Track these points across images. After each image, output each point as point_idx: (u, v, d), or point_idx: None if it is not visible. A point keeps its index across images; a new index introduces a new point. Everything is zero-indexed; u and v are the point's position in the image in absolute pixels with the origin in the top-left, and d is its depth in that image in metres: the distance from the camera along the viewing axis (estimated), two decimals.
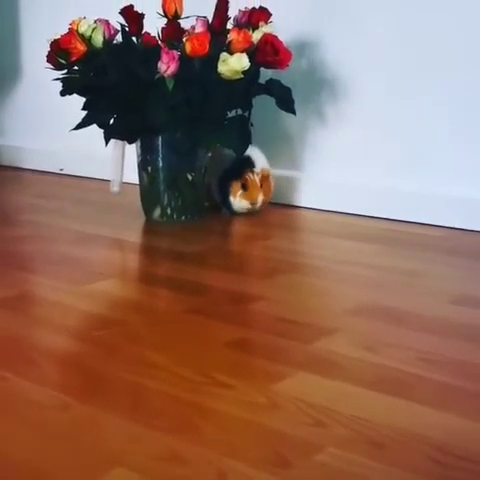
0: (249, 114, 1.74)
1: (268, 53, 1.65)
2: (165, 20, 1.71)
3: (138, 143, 1.75)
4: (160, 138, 1.71)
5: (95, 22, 1.66)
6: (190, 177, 1.74)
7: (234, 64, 1.59)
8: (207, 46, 1.59)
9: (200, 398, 0.86)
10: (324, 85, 1.88)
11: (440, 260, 1.47)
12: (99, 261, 1.48)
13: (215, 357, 0.98)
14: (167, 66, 1.57)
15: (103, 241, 1.61)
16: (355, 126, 1.84)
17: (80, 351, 1.02)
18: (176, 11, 1.69)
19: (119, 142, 1.82)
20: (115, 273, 1.42)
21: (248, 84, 1.66)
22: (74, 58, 1.63)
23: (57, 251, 1.52)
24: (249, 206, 1.78)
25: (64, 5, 2.23)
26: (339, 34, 1.84)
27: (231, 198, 1.78)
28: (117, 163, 1.87)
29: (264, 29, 1.68)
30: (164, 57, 1.57)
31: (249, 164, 1.77)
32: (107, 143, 1.70)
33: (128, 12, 1.71)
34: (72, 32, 1.64)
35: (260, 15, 1.71)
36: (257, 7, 1.73)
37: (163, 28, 1.70)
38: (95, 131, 1.69)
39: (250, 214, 1.82)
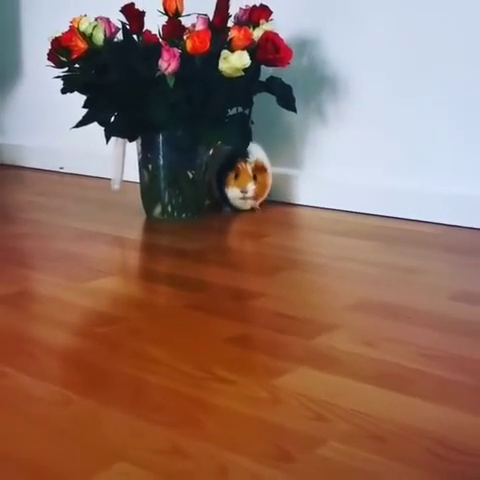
0: (250, 112, 1.74)
1: (269, 51, 1.66)
2: (166, 18, 1.71)
3: (139, 141, 1.76)
4: (161, 136, 1.71)
5: (96, 20, 1.67)
6: (191, 175, 1.75)
7: (235, 62, 1.59)
8: (208, 44, 1.59)
9: (201, 393, 0.86)
10: (325, 83, 1.88)
11: (439, 257, 1.48)
12: (99, 258, 1.48)
13: (216, 352, 0.98)
14: (168, 64, 1.57)
15: (103, 239, 1.61)
16: (355, 125, 1.85)
17: (81, 347, 1.02)
18: (177, 9, 1.69)
19: (120, 140, 1.82)
20: (115, 270, 1.43)
21: (249, 82, 1.67)
22: (75, 56, 1.63)
23: (57, 248, 1.52)
24: (240, 194, 1.78)
25: (65, 3, 2.23)
26: (340, 32, 1.84)
27: (226, 189, 1.79)
28: (118, 161, 1.87)
29: (265, 27, 1.69)
30: (165, 55, 1.57)
31: (243, 155, 1.78)
32: (108, 141, 1.70)
33: (129, 10, 1.71)
34: (73, 30, 1.64)
35: (261, 13, 1.72)
36: (258, 5, 1.73)
37: (164, 26, 1.71)
38: (96, 129, 1.70)
39: (250, 212, 1.83)
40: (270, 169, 1.83)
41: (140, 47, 1.69)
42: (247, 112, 1.74)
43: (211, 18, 1.69)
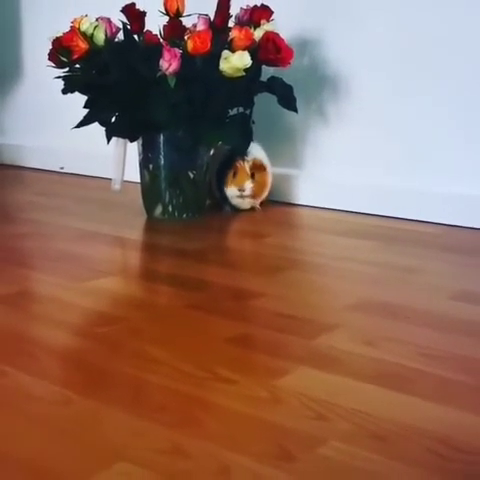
0: (251, 112, 1.74)
1: (270, 51, 1.66)
2: (167, 18, 1.71)
3: (139, 141, 1.76)
4: (162, 136, 1.71)
5: (97, 20, 1.67)
6: (191, 175, 1.75)
7: (236, 62, 1.59)
8: (209, 44, 1.59)
9: (202, 393, 0.86)
10: (326, 83, 1.88)
11: (439, 257, 1.48)
12: (100, 258, 1.48)
13: (216, 352, 0.98)
14: (169, 64, 1.57)
15: (104, 239, 1.61)
16: (356, 124, 1.85)
17: (81, 346, 1.02)
18: (178, 9, 1.70)
19: (120, 140, 1.82)
20: (116, 270, 1.43)
21: (250, 82, 1.67)
22: (76, 56, 1.63)
23: (58, 248, 1.52)
24: (238, 193, 1.79)
25: (66, 3, 2.23)
26: (341, 32, 1.84)
27: (225, 188, 1.79)
28: (118, 161, 1.87)
29: (266, 27, 1.69)
30: (166, 55, 1.57)
31: (242, 154, 1.78)
32: (109, 141, 1.70)
33: (130, 10, 1.72)
34: (74, 30, 1.64)
35: (262, 13, 1.72)
36: (259, 5, 1.74)
37: (165, 26, 1.71)
38: (96, 129, 1.70)
39: (251, 211, 1.83)
40: (270, 168, 1.83)
41: (141, 47, 1.70)
42: (248, 112, 1.74)
43: (212, 18, 1.69)
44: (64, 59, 1.65)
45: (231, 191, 1.79)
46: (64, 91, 1.69)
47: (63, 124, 1.88)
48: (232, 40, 1.63)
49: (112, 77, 1.63)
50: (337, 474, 0.69)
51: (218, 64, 1.59)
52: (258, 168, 1.80)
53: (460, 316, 1.13)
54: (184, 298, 1.22)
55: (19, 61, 2.58)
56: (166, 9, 1.70)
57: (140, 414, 0.81)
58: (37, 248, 1.54)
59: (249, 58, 1.59)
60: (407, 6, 1.73)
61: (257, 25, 1.70)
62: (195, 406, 0.83)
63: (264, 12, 1.72)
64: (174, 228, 1.70)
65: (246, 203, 1.82)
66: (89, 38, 1.64)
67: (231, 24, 1.71)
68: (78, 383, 0.90)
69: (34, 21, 2.50)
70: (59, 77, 1.69)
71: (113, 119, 1.69)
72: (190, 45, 1.59)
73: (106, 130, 1.69)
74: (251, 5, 1.74)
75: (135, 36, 1.71)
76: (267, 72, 1.74)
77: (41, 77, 1.87)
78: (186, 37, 1.62)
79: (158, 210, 1.76)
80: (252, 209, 1.84)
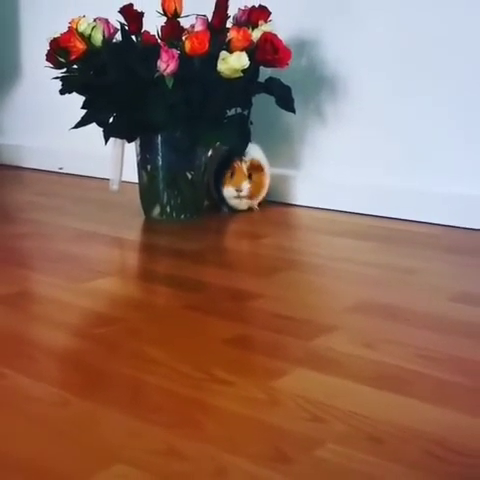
0: (248, 113, 1.74)
1: (268, 52, 1.66)
2: (165, 19, 1.71)
3: (137, 142, 1.76)
4: (159, 137, 1.71)
5: (95, 21, 1.66)
6: (189, 176, 1.75)
7: (234, 63, 1.59)
8: (206, 45, 1.59)
9: (200, 394, 0.86)
10: (324, 84, 1.88)
11: (438, 258, 1.48)
12: (98, 259, 1.48)
13: (214, 353, 0.98)
14: (166, 65, 1.57)
15: (102, 239, 1.61)
16: (354, 125, 1.85)
17: (79, 347, 1.02)
18: (176, 10, 1.69)
19: (118, 141, 1.82)
20: (114, 271, 1.43)
21: (248, 83, 1.67)
22: (73, 57, 1.63)
23: (56, 249, 1.52)
24: (235, 193, 1.79)
25: (64, 4, 2.23)
26: (339, 33, 1.84)
27: (222, 189, 1.79)
28: (116, 162, 1.87)
29: (264, 28, 1.69)
30: (163, 56, 1.57)
31: (240, 154, 1.78)
32: (106, 142, 1.71)
33: (128, 11, 1.71)
34: (71, 31, 1.64)
35: (260, 14, 1.72)
36: (257, 6, 1.73)
37: (163, 27, 1.71)
38: (94, 130, 1.70)
39: (249, 212, 1.83)
40: (268, 169, 1.83)
41: (139, 48, 1.70)
42: (246, 113, 1.74)
43: (210, 19, 1.69)
44: (62, 60, 1.64)
45: (228, 192, 1.79)
46: (62, 91, 1.69)
47: (62, 124, 1.88)
48: (230, 41, 1.63)
49: (110, 78, 1.63)
50: (333, 476, 0.69)
51: (216, 65, 1.59)
52: (256, 169, 1.80)
53: (459, 318, 1.13)
54: (182, 299, 1.22)
55: (18, 61, 2.58)
56: (164, 10, 1.70)
57: (137, 415, 0.81)
58: (36, 248, 1.54)
59: (247, 59, 1.59)
60: (407, 6, 1.73)
61: (255, 26, 1.70)
62: (192, 407, 0.83)
63: (262, 13, 1.72)
64: (172, 229, 1.70)
65: (243, 204, 1.82)
66: (87, 39, 1.64)
67: (229, 25, 1.72)
68: (76, 384, 0.90)
69: (33, 22, 2.50)
70: (57, 78, 1.69)
71: (111, 120, 1.69)
72: (188, 46, 1.59)
73: (104, 131, 1.69)
74: (249, 6, 1.73)
75: (133, 37, 1.71)
76: (265, 73, 1.74)
77: (40, 77, 1.87)
78: (184, 38, 1.62)
79: (156, 211, 1.76)
80: (250, 210, 1.84)
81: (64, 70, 1.68)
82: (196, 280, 1.33)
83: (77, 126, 1.68)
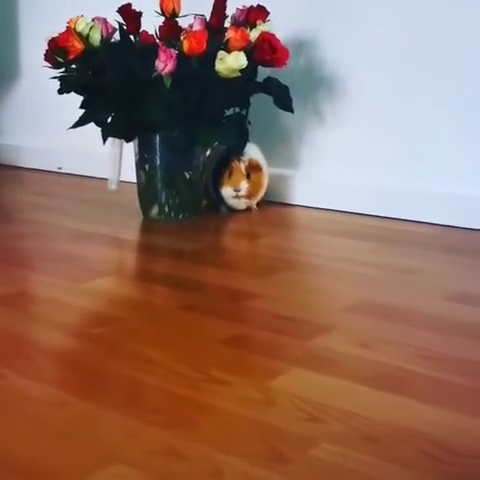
0: (247, 112, 1.74)
1: (266, 51, 1.66)
2: (163, 18, 1.71)
3: (136, 141, 1.76)
4: (158, 136, 1.71)
5: (93, 20, 1.67)
6: (188, 175, 1.75)
7: (232, 62, 1.59)
8: (205, 44, 1.59)
9: (197, 394, 0.86)
10: (322, 84, 1.88)
11: (437, 258, 1.48)
12: (97, 259, 1.48)
13: (212, 353, 0.98)
14: (165, 64, 1.57)
15: (101, 239, 1.61)
16: (353, 125, 1.85)
17: (77, 348, 1.02)
18: (174, 9, 1.69)
19: (117, 140, 1.82)
20: (113, 271, 1.43)
21: (246, 82, 1.67)
22: (72, 56, 1.63)
23: (55, 249, 1.52)
24: (233, 193, 1.79)
25: (62, 4, 2.23)
26: (337, 33, 1.84)
27: (220, 188, 1.79)
28: (115, 161, 1.87)
29: (262, 27, 1.69)
30: (162, 55, 1.57)
31: (238, 154, 1.78)
32: (104, 141, 1.71)
33: (126, 11, 1.71)
34: (70, 30, 1.64)
35: (258, 13, 1.72)
36: (255, 5, 1.73)
37: (161, 26, 1.71)
38: (93, 129, 1.70)
39: (247, 212, 1.83)
40: (266, 169, 1.83)
41: (137, 48, 1.70)
42: (244, 113, 1.74)
43: (208, 19, 1.69)
44: (60, 59, 1.65)
45: (226, 191, 1.80)
46: (60, 91, 1.69)
47: (61, 124, 1.88)
48: (228, 41, 1.63)
49: (108, 77, 1.63)
50: (329, 476, 0.69)
51: (214, 65, 1.60)
52: (254, 168, 1.80)
53: (458, 318, 1.13)
54: (180, 299, 1.22)
55: (17, 61, 2.58)
56: (162, 9, 1.70)
57: (135, 415, 0.81)
58: (35, 248, 1.54)
59: (245, 59, 1.59)
60: (406, 6, 1.73)
61: (253, 26, 1.70)
62: (190, 408, 0.83)
63: (260, 13, 1.72)
64: (170, 229, 1.70)
65: (242, 203, 1.82)
66: (85, 38, 1.64)
67: (227, 24, 1.71)
68: (74, 384, 0.90)
69: (32, 21, 2.50)
70: (55, 77, 1.69)
71: (109, 119, 1.70)
72: (186, 45, 1.59)
73: (102, 130, 1.69)
74: (247, 6, 1.74)
75: (131, 36, 1.71)
76: (263, 73, 1.74)
77: (39, 77, 1.87)
78: (182, 37, 1.62)
79: (154, 210, 1.76)
80: (248, 209, 1.84)
81: (62, 70, 1.68)
82: (194, 280, 1.33)
83: (75, 126, 1.68)
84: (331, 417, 0.80)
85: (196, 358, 0.96)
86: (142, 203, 1.79)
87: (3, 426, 0.79)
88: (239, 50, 1.61)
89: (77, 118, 1.68)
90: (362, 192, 1.83)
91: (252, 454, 0.73)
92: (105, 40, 1.66)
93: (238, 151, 1.76)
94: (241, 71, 1.60)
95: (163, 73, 1.58)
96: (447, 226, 1.69)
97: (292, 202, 1.94)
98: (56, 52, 1.64)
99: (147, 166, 1.75)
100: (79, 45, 1.62)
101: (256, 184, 1.81)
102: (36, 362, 0.96)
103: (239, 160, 1.78)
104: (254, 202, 1.84)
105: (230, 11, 1.73)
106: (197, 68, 1.62)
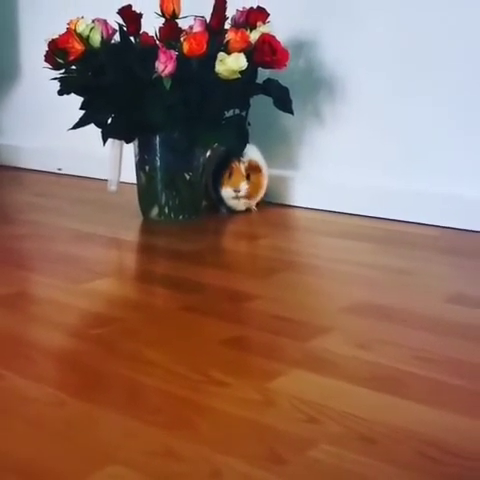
0: (246, 114, 1.74)
1: (266, 53, 1.66)
2: (163, 20, 1.71)
3: (136, 142, 1.76)
4: (158, 137, 1.71)
5: (93, 22, 1.67)
6: (188, 176, 1.75)
7: (232, 64, 1.59)
8: (205, 46, 1.59)
9: (196, 395, 0.86)
10: (322, 85, 1.89)
11: (435, 259, 1.48)
12: (97, 260, 1.48)
13: (211, 354, 0.99)
14: (165, 66, 1.57)
15: (101, 240, 1.62)
16: (353, 126, 1.85)
17: (77, 348, 1.02)
18: (174, 11, 1.70)
19: (117, 141, 1.83)
20: (112, 271, 1.43)
21: (246, 84, 1.67)
22: (72, 58, 1.64)
23: (55, 250, 1.53)
24: (233, 194, 1.79)
25: (63, 5, 2.23)
26: (337, 34, 1.84)
27: (220, 189, 1.80)
28: (115, 162, 1.87)
29: (262, 29, 1.69)
30: (162, 57, 1.57)
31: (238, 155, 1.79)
32: (104, 142, 1.71)
33: (126, 12, 1.71)
34: (70, 32, 1.64)
35: (258, 15, 1.72)
36: (255, 7, 1.73)
37: (161, 28, 1.71)
38: (93, 130, 1.70)
39: (247, 213, 1.83)
40: (266, 170, 1.83)
41: (137, 49, 1.70)
42: (244, 114, 1.74)
43: (208, 20, 1.69)
44: (60, 61, 1.65)
45: (226, 192, 1.80)
46: (60, 92, 1.69)
47: (61, 125, 1.88)
48: (228, 42, 1.63)
49: (108, 78, 1.63)
50: (327, 477, 0.70)
51: (214, 66, 1.60)
52: (254, 169, 1.80)
53: (455, 319, 1.13)
54: (180, 300, 1.22)
55: (17, 62, 2.58)
56: (162, 11, 1.70)
57: (134, 416, 0.81)
58: (34, 249, 1.55)
59: (245, 60, 1.59)
60: (406, 7, 1.73)
61: (253, 27, 1.70)
62: (188, 409, 0.83)
63: (260, 14, 1.72)
64: (170, 229, 1.70)
65: (241, 204, 1.82)
66: (85, 40, 1.64)
67: (227, 26, 1.72)
68: (73, 385, 0.90)
69: (32, 22, 2.50)
70: (55, 78, 1.69)
71: (109, 120, 1.70)
72: (186, 47, 1.59)
73: (102, 131, 1.69)
74: (247, 7, 1.74)
75: (131, 38, 1.71)
76: (263, 74, 1.74)
77: (39, 78, 1.87)
78: (182, 39, 1.62)
79: (154, 211, 1.76)
80: (248, 210, 1.84)
81: (63, 71, 1.68)
82: (194, 281, 1.33)
83: (75, 127, 1.69)
84: (330, 418, 0.80)
85: (195, 359, 0.97)
86: (142, 204, 1.80)
87: (2, 426, 0.80)
88: (239, 51, 1.61)
89: (77, 119, 1.68)
90: (361, 193, 1.83)
91: (251, 455, 0.73)
92: (105, 41, 1.67)
93: (238, 152, 1.77)
94: (241, 72, 1.61)
95: (163, 74, 1.59)
96: (446, 227, 1.69)
97: (291, 203, 1.94)
98: (56, 53, 1.64)
99: (147, 167, 1.75)
100: (79, 46, 1.63)
101: (256, 185, 1.82)
102: (35, 362, 0.97)
103: (239, 161, 1.78)
104: (253, 203, 1.85)
105: (230, 12, 1.73)
106: (197, 69, 1.62)
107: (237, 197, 1.80)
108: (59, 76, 1.69)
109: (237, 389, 0.88)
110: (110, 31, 1.68)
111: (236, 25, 1.72)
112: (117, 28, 1.68)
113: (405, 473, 0.70)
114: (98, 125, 1.70)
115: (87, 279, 1.31)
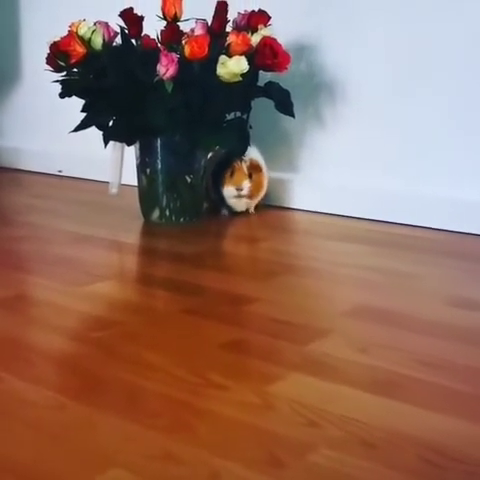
0: (248, 117, 1.74)
1: (267, 56, 1.66)
2: (164, 23, 1.71)
3: (137, 145, 1.76)
4: (159, 140, 1.71)
5: (95, 24, 1.67)
6: (189, 179, 1.75)
7: (233, 67, 1.59)
8: (206, 49, 1.59)
9: (195, 398, 0.86)
10: (323, 88, 1.89)
11: (436, 262, 1.48)
12: (96, 262, 1.48)
13: (211, 358, 0.98)
14: (166, 69, 1.57)
15: (101, 242, 1.62)
16: (353, 129, 1.85)
17: (76, 351, 1.02)
18: (175, 14, 1.70)
19: (118, 144, 1.83)
20: (113, 274, 1.43)
21: (247, 87, 1.67)
22: (73, 60, 1.64)
23: (55, 252, 1.53)
24: (235, 192, 1.79)
25: (64, 7, 2.23)
26: (338, 37, 1.84)
27: (222, 188, 1.80)
28: (116, 165, 1.87)
29: (263, 32, 1.69)
30: (163, 60, 1.57)
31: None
32: (106, 145, 1.71)
33: (128, 15, 1.72)
34: (71, 34, 1.64)
35: (259, 18, 1.72)
36: (256, 10, 1.74)
37: (162, 31, 1.71)
38: (94, 133, 1.70)
39: (247, 216, 1.83)
40: (266, 170, 1.83)
41: (139, 52, 1.70)
42: (245, 117, 1.74)
43: (210, 23, 1.69)
44: (62, 63, 1.65)
45: (228, 191, 1.80)
46: (61, 95, 1.69)
47: (61, 127, 1.89)
48: (229, 45, 1.63)
49: (110, 81, 1.63)
50: None
51: (215, 69, 1.60)
52: (255, 168, 1.80)
53: (457, 323, 1.12)
54: (180, 303, 1.22)
55: (18, 64, 2.58)
56: (164, 14, 1.70)
57: (133, 420, 0.81)
58: (34, 251, 1.55)
59: (246, 63, 1.59)
60: (406, 10, 1.73)
61: (254, 30, 1.70)
62: (188, 412, 0.83)
63: (261, 17, 1.72)
64: (171, 232, 1.70)
65: (242, 204, 1.82)
66: (87, 42, 1.64)
67: (229, 29, 1.72)
68: (72, 388, 0.90)
69: (33, 25, 2.50)
70: (57, 81, 1.69)
71: (110, 123, 1.70)
72: (187, 50, 1.60)
73: (103, 134, 1.69)
74: (249, 10, 1.74)
75: (133, 40, 1.71)
76: (264, 77, 1.74)
77: (40, 80, 1.87)
78: (183, 42, 1.62)
79: (155, 214, 1.76)
80: (247, 212, 1.84)
81: (64, 74, 1.69)
82: (194, 284, 1.33)
83: (77, 129, 1.69)
84: (329, 422, 0.80)
85: (195, 362, 0.96)
86: (143, 207, 1.79)
87: (2, 429, 0.79)
88: (240, 54, 1.61)
89: (77, 121, 1.68)
90: (362, 196, 1.83)
91: (250, 459, 0.73)
92: (107, 44, 1.67)
93: (239, 155, 1.77)
94: (242, 75, 1.61)
95: (165, 77, 1.59)
96: (447, 231, 1.68)
97: (292, 206, 1.94)
98: (58, 56, 1.64)
99: (148, 170, 1.75)
100: (81, 49, 1.63)
101: (257, 184, 1.82)
102: (35, 365, 0.96)
103: (241, 160, 1.78)
104: (253, 203, 1.85)
105: (231, 15, 1.73)
106: (198, 72, 1.62)
107: (239, 196, 1.80)
108: (61, 79, 1.69)
109: (236, 392, 0.88)
110: (112, 34, 1.68)
111: (237, 28, 1.72)
112: (119, 31, 1.69)
113: (406, 478, 0.70)
114: (99, 128, 1.70)
115: (87, 282, 1.31)
